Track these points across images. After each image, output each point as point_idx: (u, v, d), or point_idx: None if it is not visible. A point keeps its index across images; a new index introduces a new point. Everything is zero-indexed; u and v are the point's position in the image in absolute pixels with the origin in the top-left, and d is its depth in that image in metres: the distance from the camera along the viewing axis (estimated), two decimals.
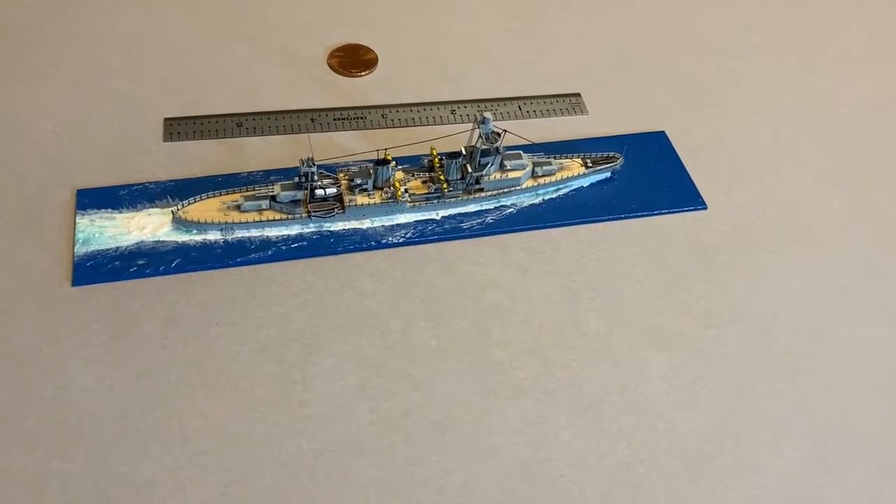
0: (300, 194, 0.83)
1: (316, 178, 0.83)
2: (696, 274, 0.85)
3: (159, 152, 0.91)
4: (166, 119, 0.93)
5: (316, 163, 0.83)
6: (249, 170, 0.89)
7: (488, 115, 0.83)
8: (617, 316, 0.81)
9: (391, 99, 0.99)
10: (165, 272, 0.80)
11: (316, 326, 0.78)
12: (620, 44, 1.09)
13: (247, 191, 0.85)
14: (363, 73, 1.01)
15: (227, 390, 0.73)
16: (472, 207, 0.88)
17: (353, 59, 1.02)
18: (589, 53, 1.07)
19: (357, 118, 0.96)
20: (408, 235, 0.85)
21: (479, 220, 0.87)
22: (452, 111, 0.98)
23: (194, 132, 0.93)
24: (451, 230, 0.86)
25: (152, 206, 0.85)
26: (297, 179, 0.83)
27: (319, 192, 0.83)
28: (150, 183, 0.87)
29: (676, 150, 0.96)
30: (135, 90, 0.96)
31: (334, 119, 0.95)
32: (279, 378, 0.74)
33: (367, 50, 1.03)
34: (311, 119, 0.95)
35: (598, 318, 0.81)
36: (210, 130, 0.93)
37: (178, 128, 0.93)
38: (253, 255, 0.82)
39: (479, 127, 0.84)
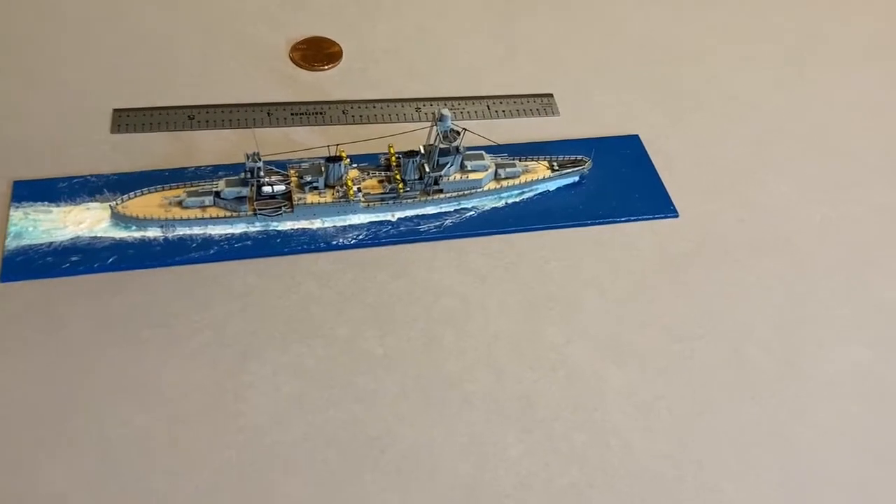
0: (246, 191, 0.79)
1: (263, 173, 0.78)
2: (664, 285, 0.81)
3: (105, 144, 0.86)
4: (115, 110, 0.89)
5: (265, 158, 0.79)
6: (199, 164, 0.85)
7: (446, 111, 0.78)
8: (576, 327, 0.76)
9: (354, 95, 0.94)
10: (100, 270, 0.76)
11: (254, 333, 0.73)
12: (597, 45, 1.04)
13: (191, 186, 0.80)
14: (326, 67, 0.97)
15: (154, 398, 0.68)
16: (430, 209, 0.83)
17: (316, 53, 0.98)
18: (564, 53, 1.03)
19: (316, 113, 0.91)
20: (360, 237, 0.81)
21: (437, 223, 0.83)
22: (417, 109, 0.93)
23: (143, 124, 0.88)
24: (406, 233, 0.82)
25: (92, 200, 0.81)
26: (243, 175, 0.79)
27: (267, 189, 0.79)
28: (91, 176, 0.83)
29: (650, 154, 0.91)
30: (83, 78, 0.92)
31: (291, 114, 0.91)
32: (210, 387, 0.69)
33: (332, 43, 0.99)
34: (268, 113, 0.91)
35: (557, 329, 0.76)
36: (161, 122, 0.89)
37: (128, 119, 0.88)
38: (194, 254, 0.78)
39: (436, 124, 0.79)
